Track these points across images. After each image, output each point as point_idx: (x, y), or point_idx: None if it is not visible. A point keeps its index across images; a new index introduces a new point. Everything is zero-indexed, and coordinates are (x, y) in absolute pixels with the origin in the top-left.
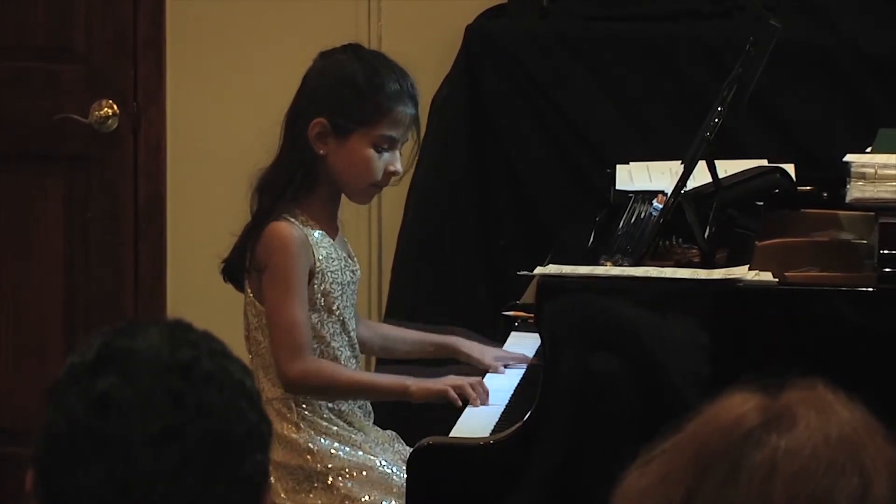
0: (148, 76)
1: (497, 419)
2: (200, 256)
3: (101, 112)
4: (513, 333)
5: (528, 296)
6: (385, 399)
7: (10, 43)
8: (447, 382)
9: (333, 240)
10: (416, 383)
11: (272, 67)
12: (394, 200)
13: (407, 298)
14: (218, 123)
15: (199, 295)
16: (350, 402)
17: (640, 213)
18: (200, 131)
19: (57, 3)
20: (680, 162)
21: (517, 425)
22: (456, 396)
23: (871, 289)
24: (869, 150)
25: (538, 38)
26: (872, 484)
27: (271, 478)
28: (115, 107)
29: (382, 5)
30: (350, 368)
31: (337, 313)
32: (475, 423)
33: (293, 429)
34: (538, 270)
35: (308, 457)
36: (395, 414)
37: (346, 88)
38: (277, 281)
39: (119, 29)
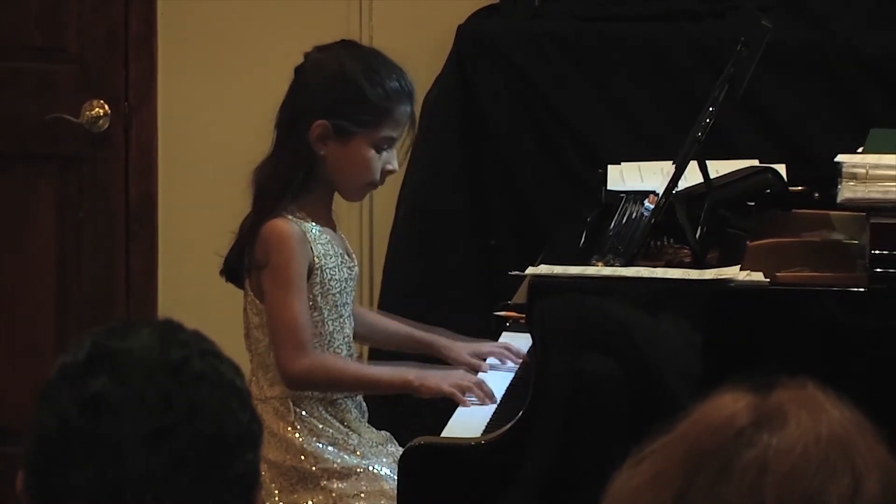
0: (139, 76)
1: (489, 419)
2: (192, 256)
3: (93, 112)
4: (504, 333)
5: (520, 296)
6: (388, 392)
7: (1, 43)
8: (451, 383)
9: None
10: (419, 379)
11: (264, 67)
12: (385, 198)
13: (398, 297)
14: (209, 123)
15: (190, 294)
16: (346, 401)
17: (631, 214)
18: (192, 131)
19: (48, 3)
20: (671, 162)
21: (509, 425)
22: (464, 399)
23: (862, 289)
24: (860, 150)
25: (530, 38)
26: (863, 483)
27: (265, 477)
28: (107, 107)
29: (374, 4)
30: (352, 361)
31: (336, 310)
32: (467, 424)
33: (289, 428)
34: (529, 270)
35: (303, 458)
36: (388, 414)
37: (348, 91)
38: (277, 278)
39: (110, 29)
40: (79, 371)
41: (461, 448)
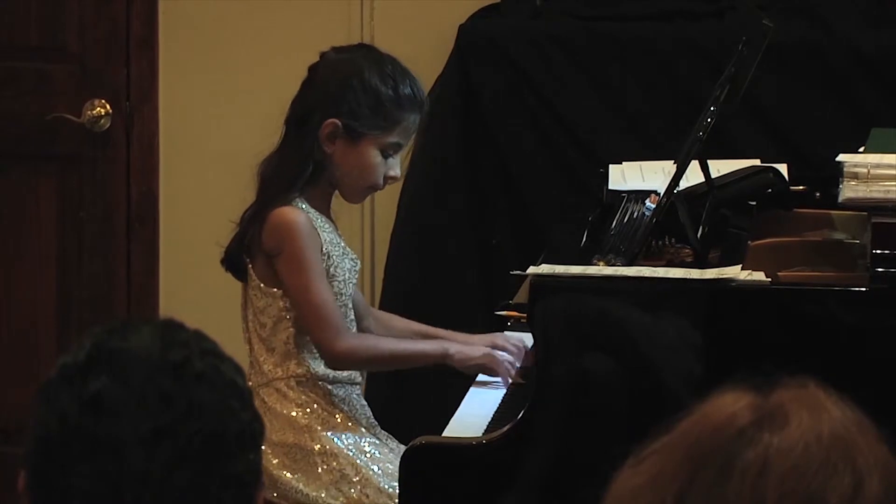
0: (140, 76)
1: (490, 419)
2: (193, 255)
3: (94, 111)
4: (505, 333)
5: (521, 295)
6: (426, 364)
7: (2, 42)
8: (485, 354)
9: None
10: (457, 350)
11: (265, 67)
12: (387, 198)
13: (399, 297)
14: (210, 122)
15: (191, 293)
16: (347, 386)
17: (632, 213)
18: (193, 130)
19: (49, 2)
20: (673, 162)
21: (510, 425)
22: (494, 368)
23: (863, 288)
24: (862, 149)
25: (531, 38)
26: (864, 482)
27: (267, 459)
28: (108, 106)
29: (375, 4)
30: (388, 338)
31: (341, 299)
32: (468, 423)
33: (293, 407)
34: (531, 270)
35: (306, 436)
36: (388, 414)
37: (363, 94)
38: (297, 266)
39: (112, 28)
40: (79, 371)
41: (462, 447)
